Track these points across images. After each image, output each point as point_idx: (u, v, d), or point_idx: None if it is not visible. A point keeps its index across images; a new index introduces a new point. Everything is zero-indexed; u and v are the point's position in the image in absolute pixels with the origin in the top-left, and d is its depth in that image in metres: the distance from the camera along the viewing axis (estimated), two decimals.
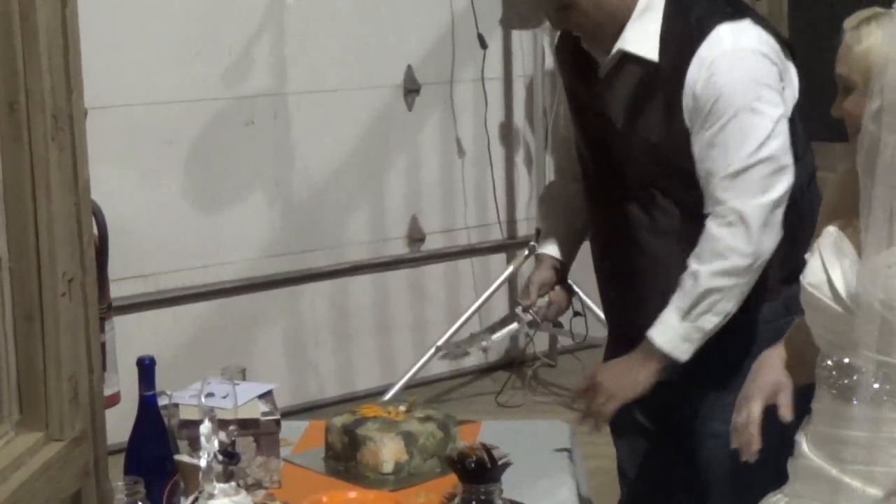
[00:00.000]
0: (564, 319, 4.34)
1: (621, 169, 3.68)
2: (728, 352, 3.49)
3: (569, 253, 3.97)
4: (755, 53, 3.49)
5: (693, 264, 3.37)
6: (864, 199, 2.71)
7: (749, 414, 3.07)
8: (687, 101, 3.49)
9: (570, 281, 3.98)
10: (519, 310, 3.87)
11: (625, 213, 3.68)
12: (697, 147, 3.48)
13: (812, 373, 3.03)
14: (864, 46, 2.75)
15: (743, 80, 3.46)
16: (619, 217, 3.70)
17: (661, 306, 3.52)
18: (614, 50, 3.56)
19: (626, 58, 3.55)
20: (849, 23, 2.83)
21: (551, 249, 3.96)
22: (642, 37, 3.52)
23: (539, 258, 3.99)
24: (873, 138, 2.65)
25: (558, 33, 3.86)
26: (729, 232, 3.36)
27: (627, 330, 3.75)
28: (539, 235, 4.09)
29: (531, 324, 3.83)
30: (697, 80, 3.47)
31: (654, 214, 3.64)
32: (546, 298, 3.87)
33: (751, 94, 3.44)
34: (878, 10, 2.80)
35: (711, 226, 3.42)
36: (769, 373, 3.14)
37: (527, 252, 6.30)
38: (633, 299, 3.74)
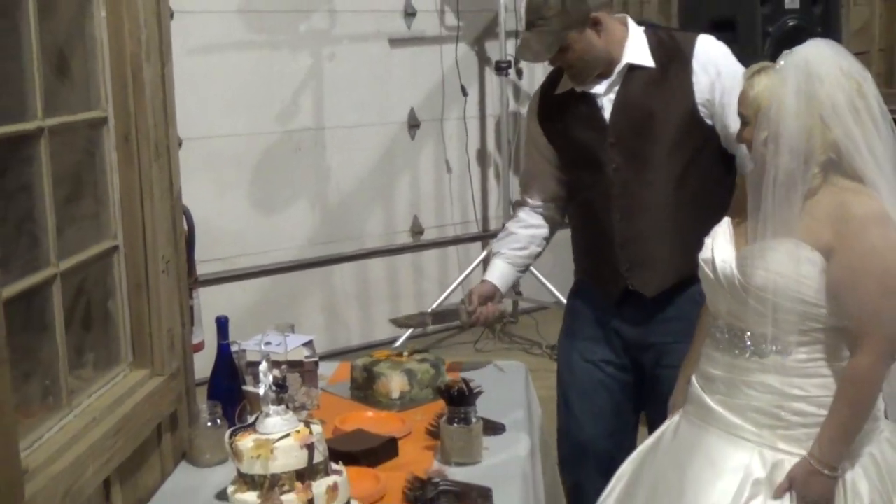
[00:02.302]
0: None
1: (641, 146, 3.47)
2: (683, 313, 3.43)
3: (506, 283, 3.84)
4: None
5: None
6: (751, 201, 2.76)
7: (675, 395, 3.22)
8: (701, 82, 3.41)
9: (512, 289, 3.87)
10: (462, 308, 3.79)
11: (644, 181, 3.49)
12: (725, 109, 3.35)
13: None
14: (755, 92, 2.75)
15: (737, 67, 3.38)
16: (637, 187, 3.49)
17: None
18: (621, 65, 3.44)
19: (629, 69, 3.45)
20: (746, 73, 2.85)
21: (495, 278, 3.81)
22: (638, 54, 3.45)
23: (484, 280, 3.84)
24: (762, 159, 2.72)
25: (538, 91, 3.75)
26: None
27: (612, 279, 3.59)
28: (489, 262, 3.93)
29: (469, 323, 3.77)
30: (705, 69, 3.41)
31: (665, 173, 3.47)
32: (483, 307, 3.76)
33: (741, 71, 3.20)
34: (766, 64, 2.81)
35: None
36: (691, 356, 3.20)
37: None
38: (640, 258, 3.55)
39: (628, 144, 3.50)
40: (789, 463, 2.79)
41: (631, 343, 3.66)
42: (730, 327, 2.91)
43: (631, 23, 3.53)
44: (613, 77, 3.49)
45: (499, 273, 3.83)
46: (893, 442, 2.91)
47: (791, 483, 2.77)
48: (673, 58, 3.48)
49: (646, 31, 3.52)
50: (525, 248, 3.85)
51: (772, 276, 2.74)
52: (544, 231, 3.86)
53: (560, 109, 3.62)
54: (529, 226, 3.83)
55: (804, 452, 2.77)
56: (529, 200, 3.83)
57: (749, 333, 2.85)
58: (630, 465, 3.20)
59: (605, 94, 3.51)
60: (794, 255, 2.72)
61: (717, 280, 2.90)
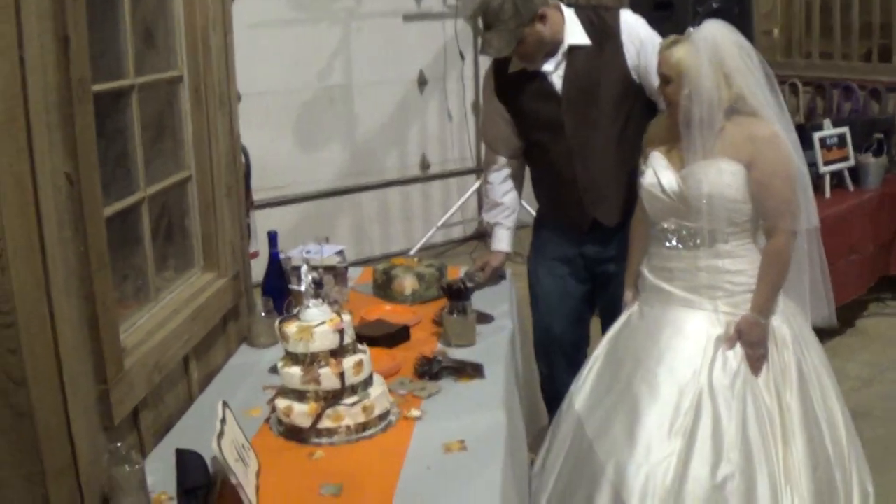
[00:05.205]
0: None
1: (590, 110, 3.43)
2: (628, 230, 3.39)
3: (511, 244, 3.85)
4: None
5: None
6: (684, 138, 2.89)
7: (626, 295, 3.29)
8: (630, 52, 3.39)
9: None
10: (474, 273, 3.78)
11: (595, 137, 3.45)
12: (648, 69, 3.34)
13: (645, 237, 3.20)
14: (676, 59, 2.88)
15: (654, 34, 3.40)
16: (591, 143, 3.46)
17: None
18: (564, 47, 3.39)
19: (571, 49, 3.41)
20: (664, 43, 2.97)
21: (504, 246, 3.83)
22: (576, 35, 3.42)
23: (496, 251, 3.83)
24: (686, 109, 2.84)
25: (491, 70, 3.66)
26: None
27: (579, 216, 3.57)
28: (492, 232, 3.89)
29: (477, 286, 3.67)
30: (632, 41, 3.40)
31: (610, 129, 3.44)
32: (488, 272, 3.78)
33: (658, 39, 3.26)
34: (678, 36, 2.93)
35: None
36: (632, 263, 3.30)
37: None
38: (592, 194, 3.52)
39: (579, 110, 3.46)
40: (735, 321, 2.96)
41: (592, 259, 3.66)
42: (677, 230, 3.03)
43: (563, 7, 3.48)
44: (559, 57, 3.44)
45: (506, 240, 3.85)
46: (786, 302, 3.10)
47: (738, 333, 2.94)
48: (604, 34, 3.44)
49: (577, 12, 3.48)
50: (513, 210, 3.85)
51: (708, 185, 2.90)
52: (517, 192, 3.85)
53: (515, 86, 3.56)
54: (507, 191, 3.81)
55: (743, 312, 2.95)
56: (499, 159, 3.78)
57: (696, 232, 2.98)
58: (603, 348, 3.24)
59: (555, 72, 3.46)
60: (720, 169, 2.90)
61: (665, 196, 3.00)
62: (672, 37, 2.97)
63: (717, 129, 2.88)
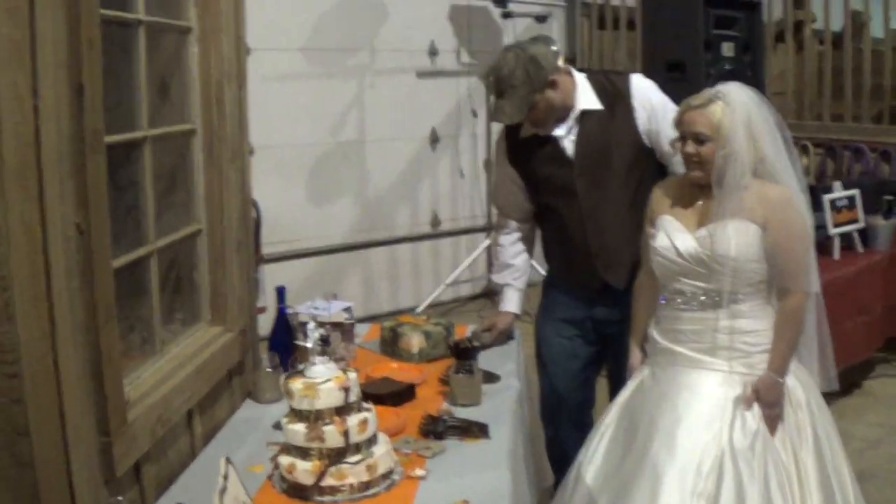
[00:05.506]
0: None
1: (602, 174, 3.44)
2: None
3: (521, 306, 3.82)
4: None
5: None
6: (716, 197, 2.90)
7: (633, 358, 3.26)
8: (641, 116, 3.39)
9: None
10: (480, 333, 3.74)
11: (607, 201, 3.45)
12: (660, 133, 3.37)
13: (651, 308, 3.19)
14: (717, 119, 2.87)
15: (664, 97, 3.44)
16: (603, 207, 3.46)
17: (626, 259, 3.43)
18: (576, 112, 3.40)
19: (582, 114, 3.41)
20: (697, 101, 2.94)
21: (513, 307, 3.80)
22: (588, 100, 3.43)
23: (505, 312, 3.80)
24: (721, 168, 2.87)
25: (503, 135, 3.66)
26: None
27: (590, 279, 3.56)
28: (502, 293, 3.85)
29: (483, 346, 3.62)
30: (643, 105, 3.40)
31: (622, 193, 3.44)
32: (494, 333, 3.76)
33: (670, 103, 3.36)
34: (709, 95, 2.92)
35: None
36: (638, 326, 3.28)
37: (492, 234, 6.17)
38: (604, 257, 3.52)
39: (591, 174, 3.46)
40: (752, 381, 2.95)
41: (602, 322, 3.64)
42: (693, 292, 3.02)
43: (574, 72, 3.49)
44: (570, 122, 3.45)
45: (515, 301, 3.82)
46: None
47: (756, 393, 2.93)
48: (615, 99, 3.45)
49: (588, 77, 3.49)
50: (524, 273, 3.83)
51: (735, 246, 2.90)
52: (528, 253, 3.83)
53: (527, 150, 3.56)
54: (518, 253, 3.80)
55: (758, 372, 2.94)
56: (510, 222, 3.78)
57: (712, 293, 2.98)
58: (614, 415, 3.19)
59: (566, 136, 3.47)
60: (741, 230, 2.91)
61: (681, 259, 2.99)
62: (703, 96, 2.96)
63: (743, 188, 2.89)
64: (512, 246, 3.80)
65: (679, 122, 3.00)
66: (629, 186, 3.46)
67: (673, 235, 3.02)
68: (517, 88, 3.30)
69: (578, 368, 3.75)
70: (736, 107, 2.88)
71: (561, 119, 3.45)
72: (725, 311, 2.97)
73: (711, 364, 2.99)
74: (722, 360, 2.98)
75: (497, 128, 3.75)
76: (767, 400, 2.92)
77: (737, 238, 2.89)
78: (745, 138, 2.87)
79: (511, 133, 3.61)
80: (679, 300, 3.06)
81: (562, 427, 3.79)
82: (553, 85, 3.35)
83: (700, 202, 3.03)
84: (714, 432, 2.89)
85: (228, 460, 2.33)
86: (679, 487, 2.83)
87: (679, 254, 2.99)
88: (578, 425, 3.62)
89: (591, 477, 3.11)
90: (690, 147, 2.94)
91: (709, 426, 2.90)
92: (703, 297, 3.00)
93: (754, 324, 2.97)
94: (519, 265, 3.81)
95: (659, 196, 3.16)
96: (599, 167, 3.45)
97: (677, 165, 3.30)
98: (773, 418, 2.94)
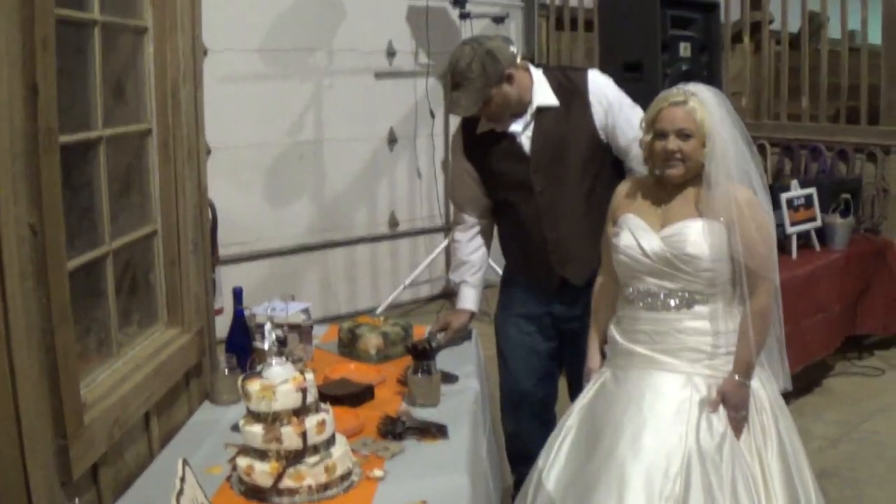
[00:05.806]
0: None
1: (558, 170, 3.45)
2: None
3: (477, 303, 3.82)
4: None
5: None
6: (704, 196, 2.90)
7: (590, 361, 3.25)
8: (598, 112, 3.42)
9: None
10: (435, 333, 3.74)
11: (564, 197, 3.47)
12: (616, 129, 3.41)
13: (612, 306, 3.18)
14: (700, 116, 2.88)
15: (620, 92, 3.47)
16: (560, 202, 3.48)
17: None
18: (532, 108, 3.42)
19: (539, 110, 3.43)
20: (676, 98, 2.93)
21: (469, 304, 3.80)
22: (545, 96, 3.45)
23: (462, 310, 3.80)
24: (707, 167, 2.89)
25: (460, 130, 3.68)
26: None
27: (547, 275, 3.58)
28: (458, 291, 3.84)
29: (440, 346, 3.61)
30: (600, 101, 3.42)
31: (578, 188, 3.46)
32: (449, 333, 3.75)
33: (626, 99, 3.44)
34: (685, 92, 2.93)
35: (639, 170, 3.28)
36: (597, 328, 3.26)
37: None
38: (561, 252, 3.53)
39: (548, 170, 3.48)
40: (716, 383, 2.94)
41: (560, 318, 3.65)
42: (656, 293, 3.00)
43: (532, 68, 3.50)
44: (527, 118, 3.47)
45: (471, 299, 3.81)
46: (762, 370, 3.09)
47: (722, 395, 2.92)
48: (572, 95, 3.46)
49: (545, 73, 3.51)
50: (479, 269, 3.82)
51: (698, 245, 2.91)
52: (484, 249, 3.83)
53: (484, 146, 3.57)
54: (475, 250, 3.80)
55: (723, 374, 2.93)
56: (467, 218, 3.78)
57: (676, 293, 2.97)
58: (576, 417, 3.14)
59: (523, 132, 3.48)
60: (708, 230, 2.91)
61: (645, 258, 2.98)
62: (679, 93, 2.95)
63: (720, 188, 2.90)
64: (469, 242, 3.80)
65: (655, 120, 2.96)
66: (585, 182, 3.48)
67: (637, 234, 3.00)
68: (473, 81, 3.32)
69: (539, 364, 3.76)
70: (708, 105, 2.91)
71: (518, 115, 3.47)
72: (687, 313, 2.96)
73: (674, 366, 2.96)
74: (685, 362, 2.96)
75: (455, 127, 3.76)
76: (733, 403, 2.91)
77: (702, 238, 2.89)
78: (723, 136, 2.89)
79: (468, 128, 3.62)
80: (641, 300, 3.03)
81: (523, 422, 3.80)
82: (509, 79, 3.37)
83: (664, 201, 3.02)
84: (680, 434, 2.86)
85: (186, 462, 2.32)
86: (646, 490, 2.80)
87: (644, 252, 2.98)
88: (541, 421, 3.63)
89: (552, 483, 3.06)
90: (673, 143, 2.91)
91: (674, 428, 2.87)
92: (666, 297, 2.98)
93: (717, 325, 2.95)
94: (475, 261, 3.81)
95: (622, 195, 3.14)
96: (556, 163, 3.47)
97: (634, 162, 3.34)
98: (738, 421, 2.92)
